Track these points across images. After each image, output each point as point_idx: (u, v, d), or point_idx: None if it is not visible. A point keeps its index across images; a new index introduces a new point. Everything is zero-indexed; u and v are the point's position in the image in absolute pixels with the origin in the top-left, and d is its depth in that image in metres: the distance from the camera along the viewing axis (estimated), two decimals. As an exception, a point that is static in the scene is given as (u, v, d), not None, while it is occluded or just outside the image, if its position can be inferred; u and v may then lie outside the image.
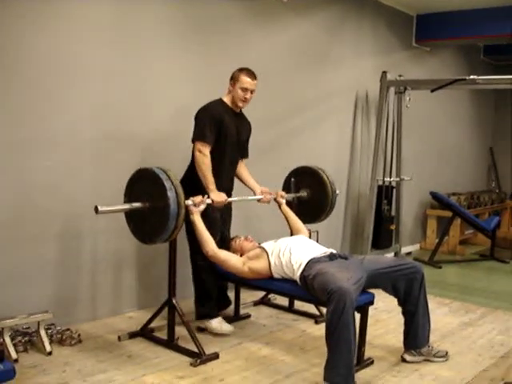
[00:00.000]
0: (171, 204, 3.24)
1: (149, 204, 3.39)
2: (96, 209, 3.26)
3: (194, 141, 3.92)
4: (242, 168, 4.32)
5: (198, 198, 3.65)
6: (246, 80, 3.95)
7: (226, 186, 4.07)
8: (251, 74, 3.98)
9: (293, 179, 4.62)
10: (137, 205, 3.41)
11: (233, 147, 4.07)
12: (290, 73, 5.56)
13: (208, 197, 3.77)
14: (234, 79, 4.00)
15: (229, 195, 4.13)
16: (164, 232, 3.31)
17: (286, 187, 4.65)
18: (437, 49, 7.72)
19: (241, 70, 4.00)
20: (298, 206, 4.55)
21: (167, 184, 3.27)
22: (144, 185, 3.44)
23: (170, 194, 3.25)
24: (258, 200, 4.28)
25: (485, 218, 8.18)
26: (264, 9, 5.21)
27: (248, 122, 4.26)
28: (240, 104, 4.05)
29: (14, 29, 3.60)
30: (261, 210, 4.69)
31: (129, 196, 3.53)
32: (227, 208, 4.19)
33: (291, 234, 4.24)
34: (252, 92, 4.01)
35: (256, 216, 5.00)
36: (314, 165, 4.67)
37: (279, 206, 4.34)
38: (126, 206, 3.45)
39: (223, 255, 3.75)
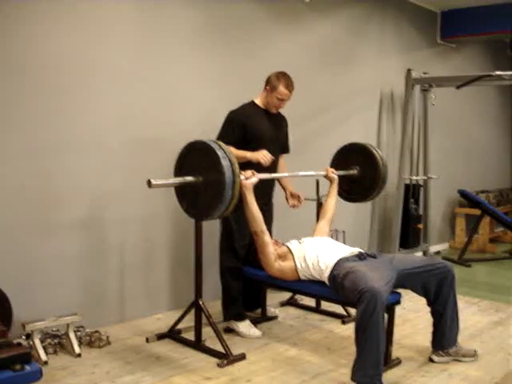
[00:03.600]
0: (226, 172, 3.14)
1: (202, 177, 3.30)
2: (149, 182, 3.19)
3: None
4: (280, 165, 4.31)
5: (249, 172, 3.64)
6: (284, 92, 3.96)
7: (265, 184, 4.06)
8: (289, 85, 3.97)
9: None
10: (190, 178, 3.32)
11: (268, 145, 4.02)
12: (315, 73, 5.55)
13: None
14: (270, 85, 3.98)
15: (269, 192, 4.22)
16: (221, 204, 3.20)
17: (334, 166, 4.50)
18: (462, 45, 7.64)
19: (279, 77, 3.97)
20: (349, 185, 4.48)
21: (220, 153, 3.18)
22: (195, 158, 3.36)
23: (224, 162, 3.15)
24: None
25: (514, 215, 8.06)
26: (287, 10, 5.22)
27: (283, 118, 4.29)
28: (273, 110, 4.09)
29: (39, 34, 3.67)
30: (288, 212, 4.67)
31: (179, 173, 3.44)
32: (265, 210, 4.15)
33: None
34: (287, 100, 4.04)
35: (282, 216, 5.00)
36: (361, 141, 4.62)
37: (331, 182, 4.28)
38: (179, 180, 3.35)
39: (267, 238, 3.72)
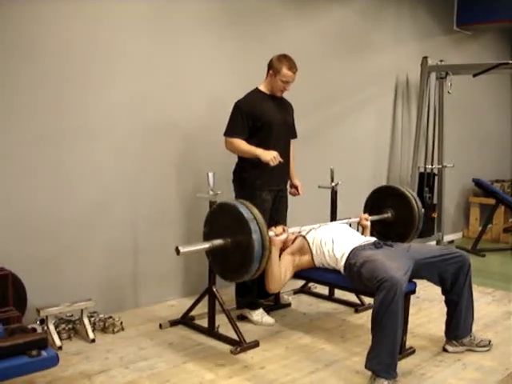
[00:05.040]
0: (256, 246, 3.03)
1: (231, 240, 3.18)
2: (177, 250, 3.04)
3: (224, 135, 3.97)
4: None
5: (280, 229, 3.54)
6: (288, 74, 3.91)
7: (281, 171, 4.07)
8: (292, 66, 3.93)
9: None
10: (218, 242, 3.18)
11: (278, 130, 4.04)
12: (329, 60, 5.51)
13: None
14: (273, 69, 3.94)
15: (285, 178, 4.22)
16: (246, 274, 3.14)
17: (368, 209, 4.44)
18: (478, 33, 7.54)
19: (281, 60, 3.92)
20: (382, 228, 4.37)
21: (252, 226, 3.05)
22: (226, 219, 3.23)
23: (255, 236, 3.03)
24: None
25: (529, 205, 7.98)
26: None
27: (289, 103, 4.25)
28: (279, 94, 4.06)
29: (50, 19, 3.66)
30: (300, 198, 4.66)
31: (209, 228, 3.33)
32: (281, 196, 4.17)
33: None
34: (292, 82, 4.01)
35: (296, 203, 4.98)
36: (396, 184, 4.55)
37: (363, 229, 4.17)
38: (207, 245, 3.20)
39: (279, 283, 3.61)
